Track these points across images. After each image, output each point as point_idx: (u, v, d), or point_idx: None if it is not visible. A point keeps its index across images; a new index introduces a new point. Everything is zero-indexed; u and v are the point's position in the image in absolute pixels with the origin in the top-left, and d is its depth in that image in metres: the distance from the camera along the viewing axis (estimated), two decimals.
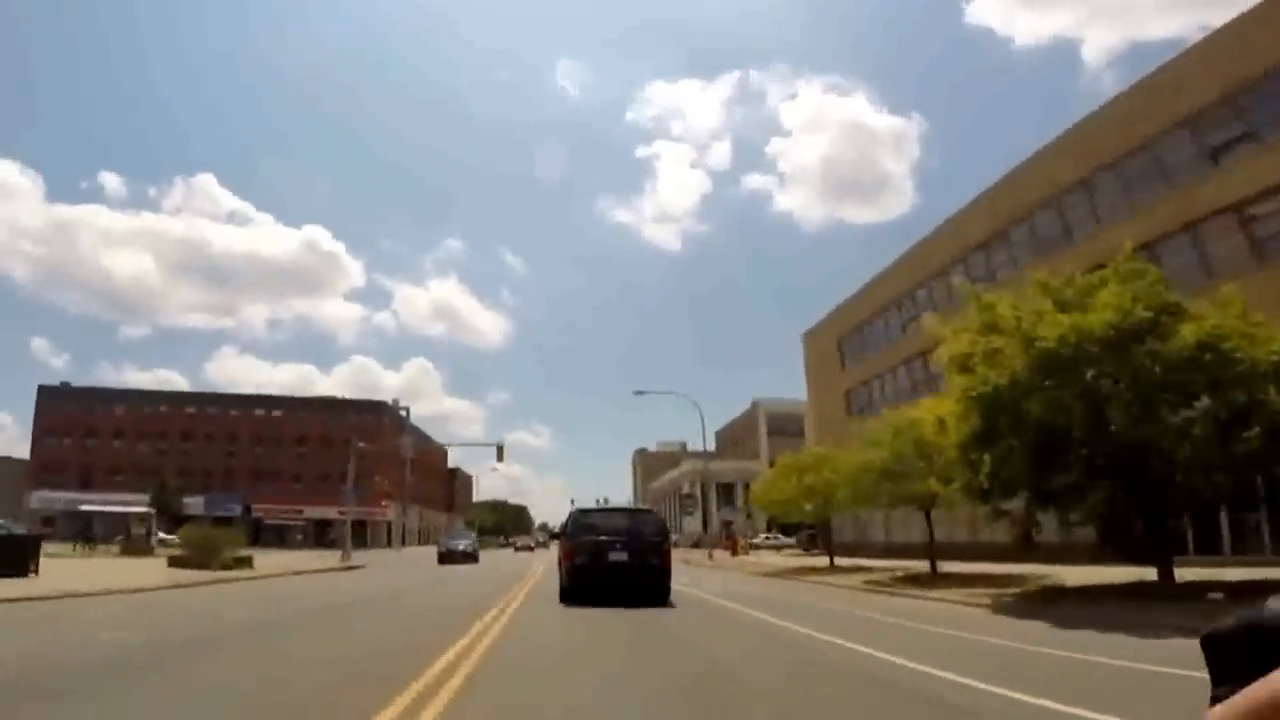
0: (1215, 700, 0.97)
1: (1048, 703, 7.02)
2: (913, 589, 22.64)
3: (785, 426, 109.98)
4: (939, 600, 19.85)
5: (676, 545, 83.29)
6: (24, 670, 8.47)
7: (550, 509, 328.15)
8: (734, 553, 54.26)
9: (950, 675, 8.50)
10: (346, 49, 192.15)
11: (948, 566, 27.64)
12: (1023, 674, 8.77)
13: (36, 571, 21.46)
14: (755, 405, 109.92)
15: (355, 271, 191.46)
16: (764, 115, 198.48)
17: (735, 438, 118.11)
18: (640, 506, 43.64)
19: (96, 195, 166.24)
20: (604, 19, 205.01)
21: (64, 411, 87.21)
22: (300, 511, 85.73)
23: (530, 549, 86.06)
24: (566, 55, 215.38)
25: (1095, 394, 16.66)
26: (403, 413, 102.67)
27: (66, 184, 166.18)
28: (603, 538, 18.30)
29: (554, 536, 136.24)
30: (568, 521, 20.73)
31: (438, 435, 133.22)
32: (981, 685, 7.92)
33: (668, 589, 18.66)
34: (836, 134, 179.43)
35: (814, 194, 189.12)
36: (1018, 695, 7.41)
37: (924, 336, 44.50)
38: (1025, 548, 29.00)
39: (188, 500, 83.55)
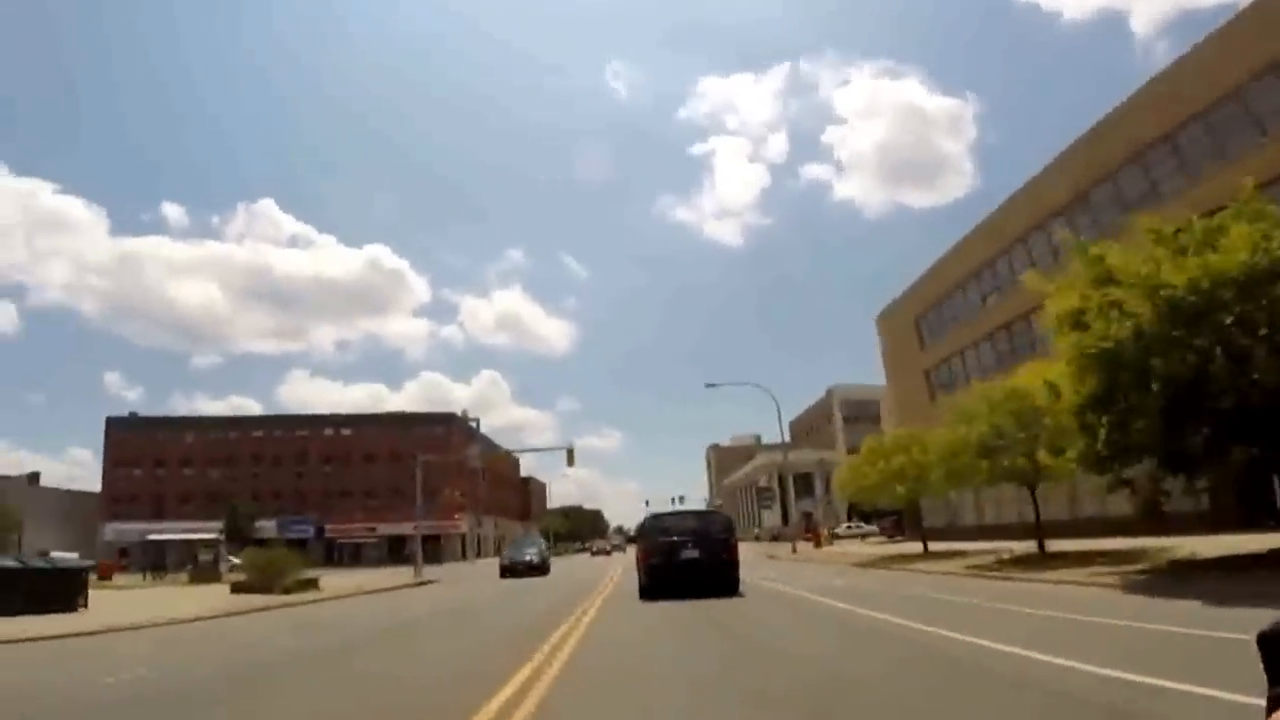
0: (1273, 700, 0.97)
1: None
2: (1024, 571, 20.51)
3: (861, 413, 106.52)
4: (1058, 582, 17.70)
5: (757, 539, 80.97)
6: None
7: (625, 511, 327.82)
8: (817, 544, 51.65)
9: (1127, 675, 6.58)
10: (394, 65, 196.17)
11: (1053, 545, 25.36)
12: (1210, 666, 6.83)
13: (85, 605, 20.24)
14: (829, 393, 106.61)
15: (420, 287, 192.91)
16: (818, 104, 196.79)
17: (810, 427, 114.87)
18: (708, 508, 43.24)
19: (159, 226, 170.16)
20: (649, 18, 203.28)
21: (133, 442, 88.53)
22: (374, 529, 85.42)
23: (607, 553, 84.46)
24: (614, 56, 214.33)
25: (1233, 343, 14.10)
26: (472, 424, 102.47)
27: (129, 216, 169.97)
28: (675, 538, 20.06)
29: (630, 540, 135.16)
30: (643, 525, 23.03)
31: (510, 445, 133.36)
32: (1172, 685, 6.04)
33: (737, 580, 20.07)
34: (891, 118, 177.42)
35: (873, 180, 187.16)
36: (1228, 695, 5.50)
37: (1009, 306, 41.60)
38: (1151, 518, 26.14)
39: (260, 524, 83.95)
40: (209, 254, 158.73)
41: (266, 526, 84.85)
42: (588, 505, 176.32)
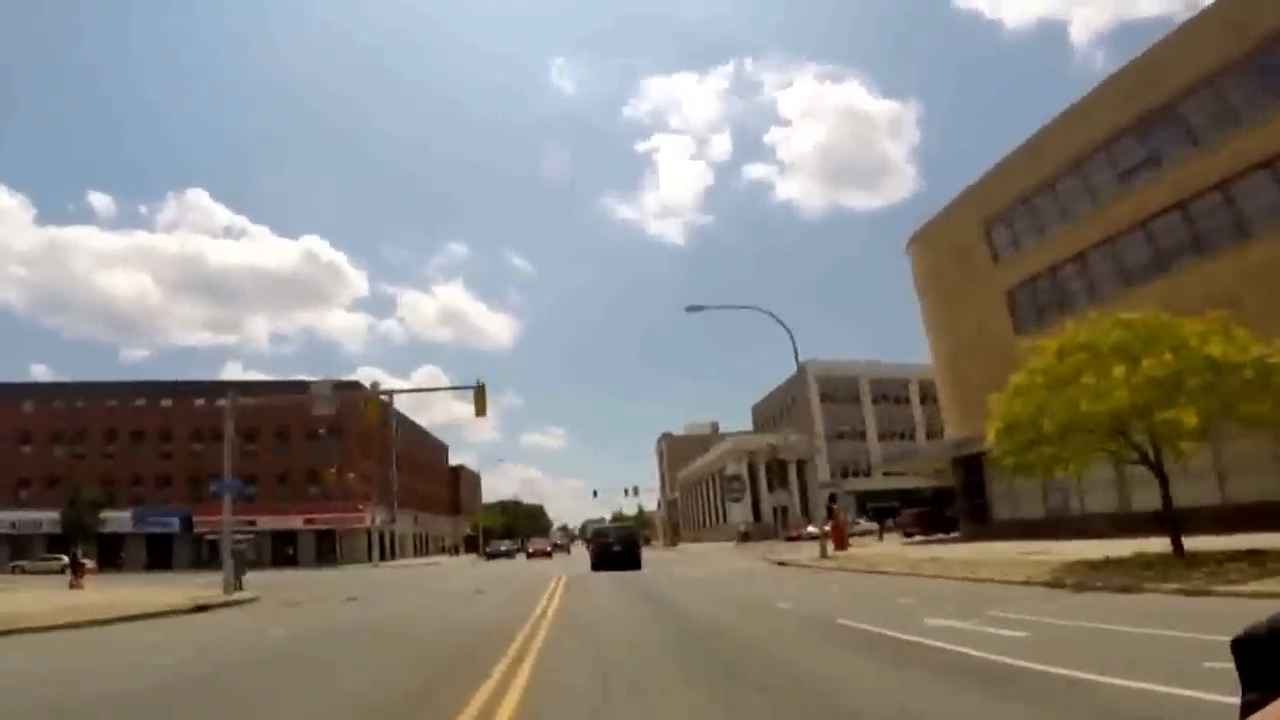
0: (1246, 707, 0.95)
1: None
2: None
3: (838, 391, 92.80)
4: None
5: (748, 539, 66.18)
6: None
7: (571, 509, 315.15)
8: (841, 544, 36.97)
9: None
10: (337, 54, 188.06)
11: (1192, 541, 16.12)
12: None
13: None
14: (803, 368, 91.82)
15: (358, 280, 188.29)
16: (761, 104, 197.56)
17: (778, 411, 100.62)
18: (624, 524, 61.18)
19: (87, 216, 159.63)
20: (595, 15, 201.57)
21: None
22: (252, 523, 68.35)
23: (547, 554, 68.05)
24: (560, 53, 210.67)
25: None
26: (383, 397, 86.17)
27: (55, 205, 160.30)
28: (609, 538, 37.81)
29: (573, 539, 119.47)
30: (592, 532, 46.50)
31: (450, 442, 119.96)
32: None
33: (639, 562, 35.28)
34: (834, 120, 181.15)
35: (815, 181, 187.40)
36: None
37: (1155, 191, 27.65)
38: None
39: (111, 515, 66.65)
40: (139, 244, 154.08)
41: (119, 518, 67.59)
42: (529, 501, 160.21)
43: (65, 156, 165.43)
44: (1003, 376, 34.58)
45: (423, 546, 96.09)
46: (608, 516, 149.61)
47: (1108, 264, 30.14)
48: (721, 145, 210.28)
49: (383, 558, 75.49)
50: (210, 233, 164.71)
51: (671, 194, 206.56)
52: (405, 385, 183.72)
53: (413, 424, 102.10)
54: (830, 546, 37.70)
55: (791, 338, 33.83)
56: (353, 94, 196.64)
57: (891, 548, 36.71)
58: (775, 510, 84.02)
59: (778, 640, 10.18)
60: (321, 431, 66.10)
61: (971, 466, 37.09)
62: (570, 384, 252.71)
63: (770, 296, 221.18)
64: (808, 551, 38.87)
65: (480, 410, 28.01)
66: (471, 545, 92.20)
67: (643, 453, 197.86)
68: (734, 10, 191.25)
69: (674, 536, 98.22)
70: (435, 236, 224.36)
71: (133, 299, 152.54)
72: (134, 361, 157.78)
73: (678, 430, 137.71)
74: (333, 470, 60.88)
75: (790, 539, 68.01)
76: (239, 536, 32.43)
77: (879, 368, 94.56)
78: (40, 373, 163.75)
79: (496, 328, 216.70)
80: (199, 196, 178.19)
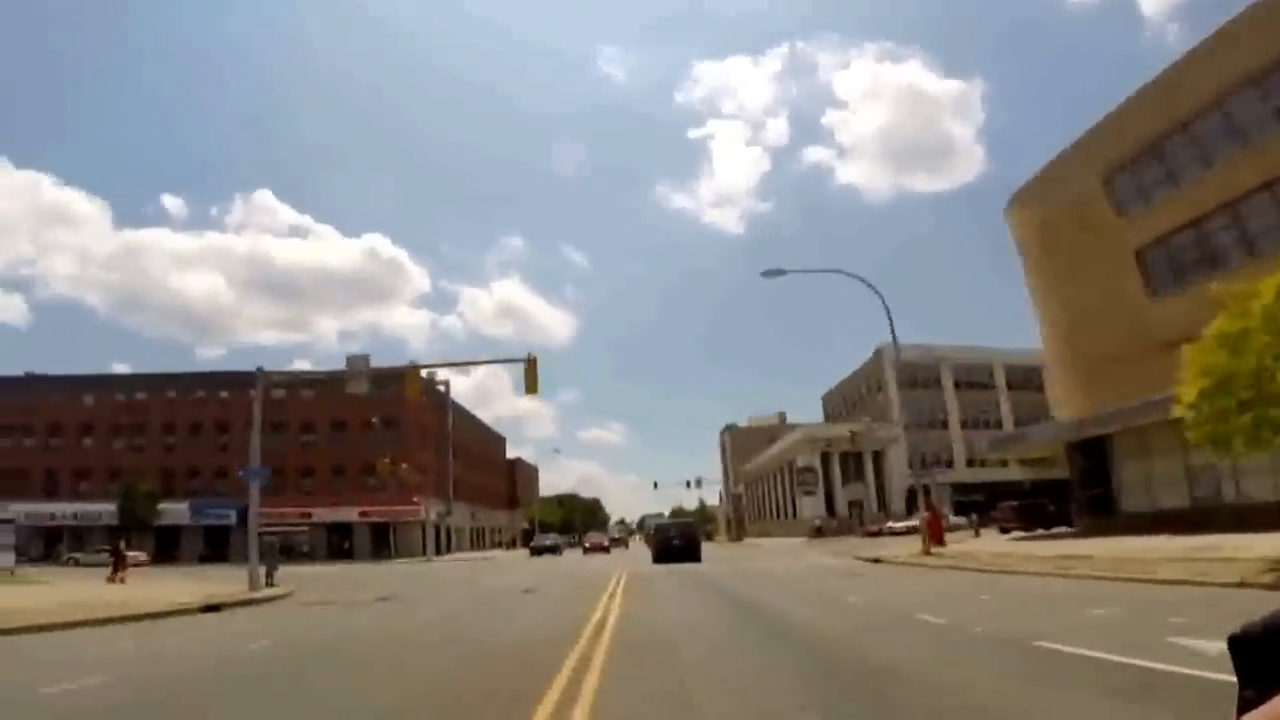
0: (1243, 704, 0.97)
1: None
2: None
3: (919, 377, 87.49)
4: None
5: (821, 534, 62.02)
6: None
7: (629, 503, 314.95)
8: (938, 540, 32.80)
9: None
10: (387, 53, 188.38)
11: None
12: None
13: None
14: (878, 354, 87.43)
15: (419, 277, 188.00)
16: (818, 87, 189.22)
17: (849, 400, 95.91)
18: (686, 519, 62.42)
19: (161, 218, 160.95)
20: (642, 2, 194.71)
21: (19, 404, 69.90)
22: (308, 515, 66.70)
23: (604, 549, 64.58)
24: (607, 42, 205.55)
25: None
26: (440, 386, 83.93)
27: (130, 208, 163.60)
28: (670, 534, 38.87)
29: (631, 534, 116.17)
30: (653, 527, 49.13)
31: (509, 437, 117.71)
32: None
33: (699, 555, 36.50)
34: (895, 101, 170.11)
35: (877, 165, 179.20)
36: None
37: None
38: None
39: (168, 507, 65.54)
40: (210, 245, 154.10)
41: (177, 510, 66.44)
42: (585, 494, 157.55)
43: (140, 160, 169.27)
44: (1132, 347, 30.37)
45: (480, 540, 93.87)
46: (666, 511, 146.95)
47: (1269, 213, 25.45)
48: (778, 130, 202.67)
49: (438, 551, 73.19)
50: (276, 232, 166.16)
51: (727, 181, 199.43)
52: (466, 380, 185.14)
53: (470, 416, 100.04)
54: (912, 545, 33.76)
55: (885, 305, 30.00)
56: (408, 93, 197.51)
57: (997, 544, 32.45)
58: (850, 505, 79.51)
59: (967, 678, 6.56)
60: (375, 421, 64.04)
61: (1092, 451, 32.65)
62: (628, 378, 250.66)
63: (833, 287, 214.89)
64: (899, 548, 34.90)
65: (531, 387, 24.71)
66: (528, 539, 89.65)
67: (703, 448, 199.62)
68: None
69: (739, 531, 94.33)
70: (492, 231, 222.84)
71: (206, 298, 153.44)
72: (209, 360, 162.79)
73: (742, 422, 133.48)
74: (386, 460, 58.44)
75: (870, 534, 63.64)
76: (270, 529, 29.86)
77: (961, 352, 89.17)
78: (121, 371, 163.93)
79: (554, 322, 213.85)
80: (265, 197, 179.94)
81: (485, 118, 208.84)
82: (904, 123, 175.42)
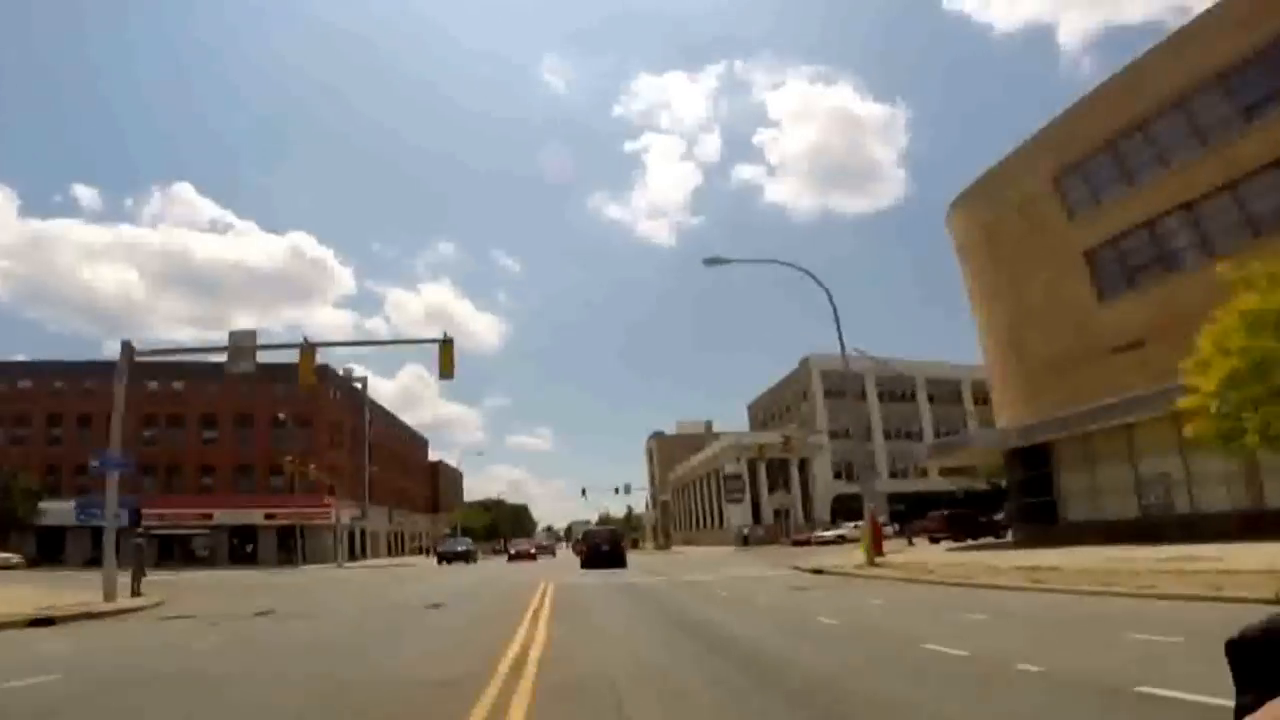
0: (1240, 709, 0.97)
1: None
2: None
3: (843, 386, 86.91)
4: None
5: (748, 543, 60.38)
6: None
7: (557, 510, 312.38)
8: (878, 549, 31.25)
9: None
10: (327, 49, 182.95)
11: None
12: None
13: None
14: (804, 364, 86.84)
15: (345, 277, 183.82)
16: (751, 106, 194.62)
17: (776, 410, 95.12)
18: (609, 527, 58.94)
19: (71, 209, 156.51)
20: (587, 11, 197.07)
21: None
22: (209, 515, 62.36)
23: (531, 556, 61.89)
24: (551, 50, 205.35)
25: None
26: (355, 384, 79.91)
27: (39, 198, 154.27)
28: (597, 540, 40.96)
29: (559, 540, 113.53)
30: (582, 534, 55.06)
31: (436, 443, 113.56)
32: None
33: (625, 561, 38.82)
34: (824, 123, 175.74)
35: (804, 184, 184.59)
36: None
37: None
38: None
39: (50, 505, 60.33)
40: (123, 237, 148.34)
41: (61, 509, 61.07)
42: (512, 501, 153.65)
43: (50, 149, 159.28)
44: (1079, 350, 29.28)
45: (398, 545, 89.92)
46: (594, 519, 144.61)
47: (1230, 213, 24.49)
48: (711, 145, 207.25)
49: (353, 556, 69.38)
50: (196, 227, 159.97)
51: (661, 194, 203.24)
52: (390, 384, 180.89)
53: (391, 416, 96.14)
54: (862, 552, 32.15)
55: (829, 295, 27.99)
56: (342, 89, 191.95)
57: (935, 554, 30.94)
58: (776, 513, 78.34)
59: None
60: (282, 416, 60.13)
61: (1033, 458, 31.52)
62: (557, 385, 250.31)
63: (759, 299, 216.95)
64: (834, 557, 33.26)
65: (446, 370, 22.19)
66: None
67: (631, 455, 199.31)
68: (727, 8, 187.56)
69: (666, 539, 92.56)
70: (424, 234, 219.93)
71: (118, 292, 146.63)
72: (116, 354, 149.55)
73: (669, 430, 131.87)
74: (291, 459, 54.68)
75: (797, 543, 62.26)
76: (157, 531, 26.66)
77: (886, 364, 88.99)
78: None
79: (484, 327, 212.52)
80: (185, 190, 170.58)
81: (424, 119, 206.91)
82: (832, 144, 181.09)
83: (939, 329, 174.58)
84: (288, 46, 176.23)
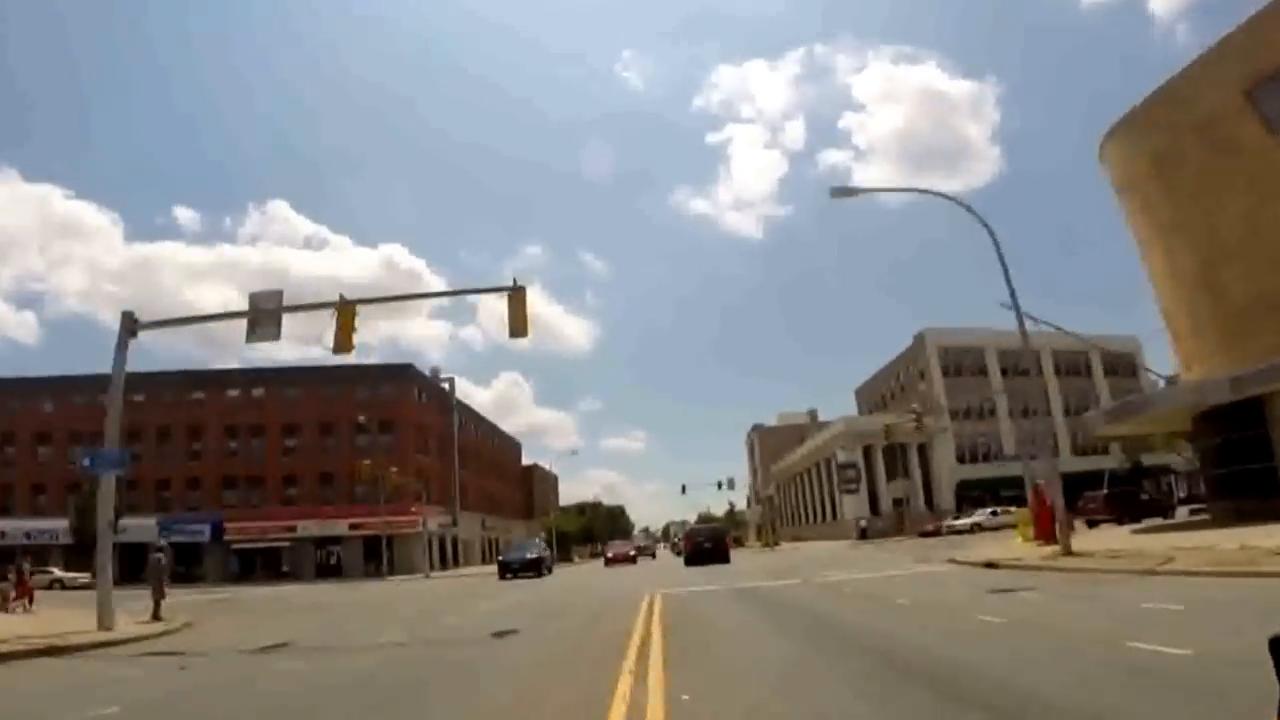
0: None
1: None
2: None
3: (965, 363, 79.59)
4: None
5: (866, 536, 54.49)
6: None
7: (653, 513, 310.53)
8: (1047, 535, 25.11)
9: None
10: (402, 60, 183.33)
11: None
12: None
13: None
14: (920, 339, 79.70)
15: (437, 287, 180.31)
16: (835, 90, 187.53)
17: (889, 391, 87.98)
18: (715, 524, 67.54)
19: (173, 231, 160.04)
20: (659, 5, 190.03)
21: None
22: (292, 528, 59.65)
23: (630, 559, 55.27)
24: (625, 46, 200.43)
25: None
26: (443, 384, 76.68)
27: (142, 221, 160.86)
28: (701, 537, 42.33)
29: (658, 541, 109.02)
30: (678, 534, 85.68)
31: (532, 450, 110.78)
32: None
33: (728, 557, 39.35)
34: (911, 103, 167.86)
35: (894, 166, 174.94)
36: None
37: None
38: None
39: (132, 522, 58.48)
40: (223, 257, 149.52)
41: (142, 525, 59.36)
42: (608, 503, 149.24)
43: (150, 173, 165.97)
44: None
45: (492, 553, 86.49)
46: (692, 519, 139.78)
47: None
48: (795, 133, 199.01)
49: (444, 565, 65.93)
50: (292, 243, 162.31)
51: (746, 185, 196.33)
52: (485, 392, 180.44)
53: (481, 418, 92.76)
54: (1028, 544, 25.99)
55: (991, 232, 22.08)
56: (424, 100, 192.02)
57: (1125, 538, 24.55)
58: (895, 502, 71.70)
59: None
60: (363, 420, 56.71)
61: (1240, 417, 25.01)
62: (649, 385, 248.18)
63: (853, 286, 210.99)
64: (996, 548, 27.37)
65: (519, 328, 17.35)
66: None
67: (728, 452, 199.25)
68: None
69: (771, 535, 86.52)
70: (510, 239, 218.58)
71: (220, 312, 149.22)
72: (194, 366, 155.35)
73: (770, 422, 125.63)
74: (368, 464, 51.00)
75: (927, 534, 55.92)
76: (159, 544, 22.82)
77: (1008, 337, 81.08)
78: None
79: (574, 330, 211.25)
80: (281, 208, 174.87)
81: (503, 124, 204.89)
82: (920, 125, 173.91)
83: (1052, 308, 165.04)
84: (361, 59, 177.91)
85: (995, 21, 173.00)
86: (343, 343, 17.52)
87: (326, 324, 17.74)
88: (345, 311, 17.62)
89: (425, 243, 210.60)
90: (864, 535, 62.16)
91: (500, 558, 44.25)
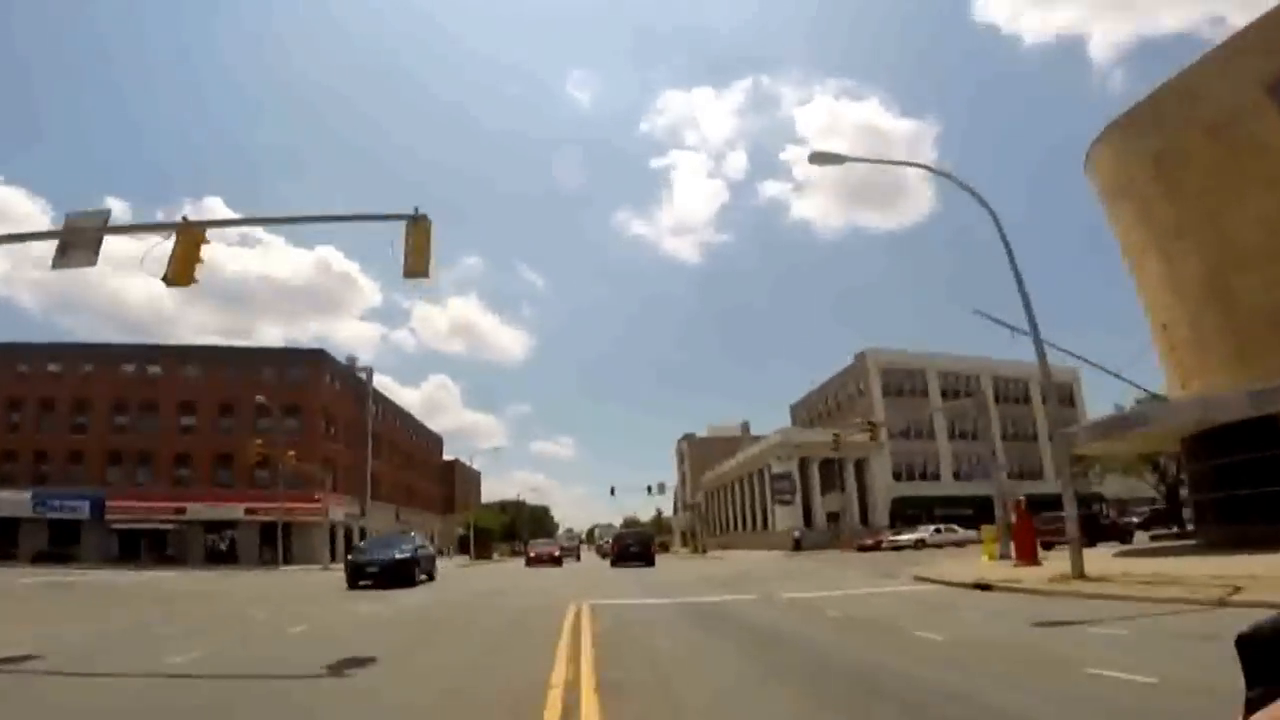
0: (1250, 704, 0.97)
1: None
2: None
3: (906, 384, 78.02)
4: None
5: (800, 548, 51.36)
6: None
7: (580, 515, 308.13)
8: (1029, 556, 22.41)
9: None
10: (352, 65, 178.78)
11: None
12: None
13: None
14: (861, 359, 77.93)
15: (371, 291, 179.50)
16: (779, 121, 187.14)
17: (827, 409, 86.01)
18: (639, 529, 65.34)
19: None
20: (613, 28, 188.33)
21: None
22: (181, 510, 54.36)
23: (555, 559, 48.49)
24: (577, 65, 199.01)
25: None
26: (360, 373, 71.70)
27: (71, 209, 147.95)
28: (628, 540, 44.61)
29: (581, 544, 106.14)
30: (603, 537, 68.34)
31: (458, 450, 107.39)
32: None
33: (653, 559, 42.12)
34: (852, 138, 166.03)
35: (831, 200, 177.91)
36: None
37: None
38: None
39: (7, 496, 52.74)
40: (154, 252, 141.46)
41: (15, 500, 53.55)
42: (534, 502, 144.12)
43: (84, 162, 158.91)
44: None
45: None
46: (618, 523, 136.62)
47: None
48: (738, 162, 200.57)
49: (330, 560, 61.25)
50: (226, 240, 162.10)
51: (687, 211, 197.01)
52: (412, 393, 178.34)
53: (402, 411, 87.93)
54: (1011, 558, 23.18)
55: (991, 212, 19.08)
56: (366, 104, 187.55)
57: (1107, 562, 21.93)
58: (828, 516, 69.44)
59: None
60: (262, 400, 51.66)
61: (1250, 436, 22.70)
62: (581, 397, 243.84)
63: (787, 317, 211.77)
64: (962, 565, 24.65)
65: (417, 264, 13.65)
66: (464, 548, 77.23)
67: (657, 462, 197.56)
68: (754, 23, 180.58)
69: (700, 542, 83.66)
70: (449, 249, 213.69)
71: (146, 302, 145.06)
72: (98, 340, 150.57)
73: (701, 431, 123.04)
74: (259, 443, 45.92)
75: (866, 548, 53.57)
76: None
77: (949, 359, 79.97)
78: None
79: (509, 341, 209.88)
80: (215, 204, 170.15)
81: (449, 134, 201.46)
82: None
83: (983, 340, 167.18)
84: (310, 61, 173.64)
85: (939, 62, 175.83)
86: (178, 273, 13.58)
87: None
88: (186, 237, 13.70)
89: (361, 247, 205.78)
90: (798, 546, 59.58)
91: (349, 556, 29.51)
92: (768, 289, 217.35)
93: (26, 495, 54.00)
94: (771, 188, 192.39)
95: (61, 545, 53.29)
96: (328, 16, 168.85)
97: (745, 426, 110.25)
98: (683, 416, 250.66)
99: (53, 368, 58.60)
